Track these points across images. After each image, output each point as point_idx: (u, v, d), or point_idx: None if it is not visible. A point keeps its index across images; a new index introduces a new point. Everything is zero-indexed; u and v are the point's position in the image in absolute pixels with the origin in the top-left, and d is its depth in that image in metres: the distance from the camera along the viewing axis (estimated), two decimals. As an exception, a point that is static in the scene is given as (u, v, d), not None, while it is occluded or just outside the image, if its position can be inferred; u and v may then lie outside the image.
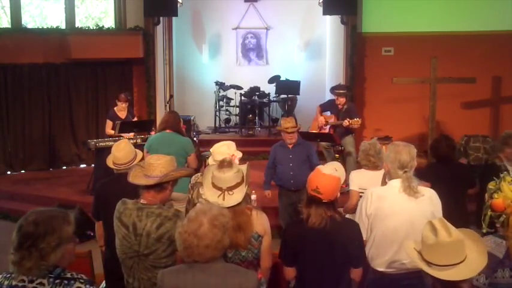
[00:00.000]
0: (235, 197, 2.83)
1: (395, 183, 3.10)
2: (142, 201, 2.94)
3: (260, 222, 2.95)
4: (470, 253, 2.18)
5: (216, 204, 2.76)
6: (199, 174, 3.78)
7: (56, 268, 2.12)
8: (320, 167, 2.93)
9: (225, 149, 3.73)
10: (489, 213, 2.56)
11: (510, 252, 2.44)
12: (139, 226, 2.85)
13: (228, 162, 2.94)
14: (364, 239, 3.13)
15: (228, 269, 2.33)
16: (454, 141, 4.74)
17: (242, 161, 3.66)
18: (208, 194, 2.87)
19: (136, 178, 2.97)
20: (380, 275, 3.15)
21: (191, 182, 3.78)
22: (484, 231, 2.62)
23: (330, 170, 2.87)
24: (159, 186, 2.93)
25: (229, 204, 2.80)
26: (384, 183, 4.00)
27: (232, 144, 3.83)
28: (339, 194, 2.90)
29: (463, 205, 4.47)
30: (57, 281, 2.10)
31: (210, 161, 3.82)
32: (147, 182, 2.92)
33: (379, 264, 3.14)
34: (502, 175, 2.60)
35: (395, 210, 3.06)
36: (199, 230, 2.20)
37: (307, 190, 2.88)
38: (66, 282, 2.10)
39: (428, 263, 2.17)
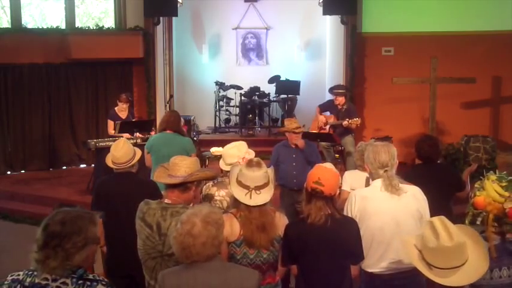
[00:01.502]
0: (263, 197, 2.84)
1: (377, 183, 3.11)
2: (166, 200, 2.94)
3: (283, 224, 2.95)
4: (471, 254, 2.18)
5: (245, 202, 2.81)
6: (210, 184, 3.70)
7: (79, 269, 2.12)
8: (319, 164, 3.03)
9: (235, 151, 3.69)
10: (471, 211, 2.57)
11: (490, 250, 2.44)
12: (163, 226, 2.83)
13: (257, 162, 2.94)
14: None
15: (228, 267, 2.35)
16: (437, 141, 4.63)
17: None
18: (235, 191, 2.88)
19: (160, 178, 2.99)
20: (370, 276, 3.14)
21: (202, 193, 3.69)
22: None
23: (330, 166, 2.97)
24: (183, 186, 2.93)
25: (257, 203, 2.80)
26: (367, 184, 4.02)
27: (243, 144, 3.78)
28: (338, 192, 2.92)
29: (447, 207, 4.25)
30: (80, 281, 2.09)
31: (221, 165, 3.79)
32: (171, 181, 2.92)
33: (369, 265, 3.14)
34: (486, 174, 2.61)
35: (379, 209, 3.06)
36: (193, 229, 2.21)
37: (306, 187, 2.89)
38: (88, 283, 2.10)
39: (429, 265, 2.17)
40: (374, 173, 3.15)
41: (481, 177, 2.64)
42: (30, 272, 2.11)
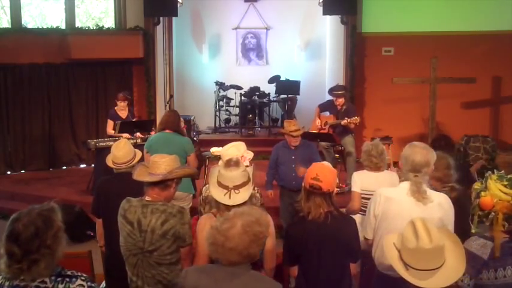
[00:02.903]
0: (242, 196, 2.84)
1: (405, 185, 3.01)
2: (147, 198, 2.98)
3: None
4: (449, 257, 2.18)
5: (223, 202, 2.80)
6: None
7: (56, 266, 2.11)
8: (315, 162, 3.09)
9: (233, 151, 3.69)
10: (477, 212, 2.55)
11: (495, 249, 2.44)
12: (144, 222, 2.88)
13: (235, 161, 2.95)
14: (371, 238, 3.11)
15: (252, 277, 2.27)
16: (452, 141, 4.70)
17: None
18: (214, 192, 2.88)
19: (141, 176, 3.02)
20: (385, 278, 3.07)
21: (202, 195, 3.69)
22: (473, 231, 2.61)
23: (327, 164, 3.04)
24: (163, 184, 2.98)
25: (236, 202, 2.80)
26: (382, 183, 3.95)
27: (242, 144, 3.79)
28: (336, 189, 2.91)
29: None
30: (59, 279, 2.09)
31: (220, 164, 3.79)
32: (151, 178, 2.96)
33: (385, 267, 3.05)
34: (486, 174, 2.61)
35: (402, 213, 2.96)
36: (229, 231, 2.18)
37: (305, 185, 2.90)
38: (67, 279, 2.10)
39: (406, 265, 2.18)
40: (404, 173, 3.04)
41: (479, 178, 2.64)
42: (8, 276, 2.07)
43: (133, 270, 2.95)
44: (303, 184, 2.94)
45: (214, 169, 3.05)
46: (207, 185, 3.71)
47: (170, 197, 3.07)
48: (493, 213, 2.48)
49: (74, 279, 2.11)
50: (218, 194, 2.86)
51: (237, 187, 2.84)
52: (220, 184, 2.87)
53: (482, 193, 2.54)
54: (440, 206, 2.98)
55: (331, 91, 7.46)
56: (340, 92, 7.24)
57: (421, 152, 2.96)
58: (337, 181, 3.03)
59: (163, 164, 2.99)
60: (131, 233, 2.91)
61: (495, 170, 2.67)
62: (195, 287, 2.28)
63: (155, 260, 2.87)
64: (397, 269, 2.21)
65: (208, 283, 2.24)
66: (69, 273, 2.13)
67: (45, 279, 2.06)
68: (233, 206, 2.79)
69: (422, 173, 2.95)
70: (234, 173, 2.86)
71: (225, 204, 2.82)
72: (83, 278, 2.14)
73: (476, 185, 2.62)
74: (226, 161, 3.00)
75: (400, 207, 2.98)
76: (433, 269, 2.14)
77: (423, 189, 2.95)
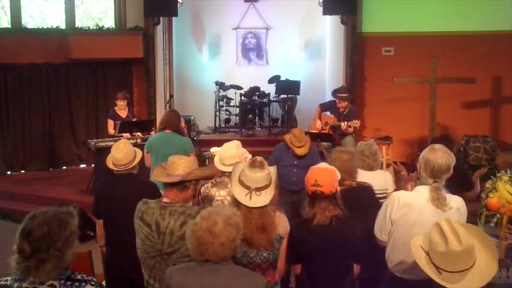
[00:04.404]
0: (263, 199, 2.82)
1: (424, 191, 2.91)
2: (164, 199, 2.95)
3: (282, 224, 2.94)
4: (479, 256, 2.16)
5: (244, 203, 2.79)
6: (208, 185, 3.68)
7: (66, 270, 2.10)
8: (312, 166, 3.02)
9: (234, 152, 3.67)
10: (485, 212, 2.55)
11: (501, 251, 2.43)
12: (162, 224, 2.85)
13: (260, 163, 2.92)
14: (385, 240, 3.07)
15: (236, 272, 2.31)
16: (453, 142, 4.65)
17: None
18: (236, 190, 2.87)
19: (158, 177, 2.99)
20: (399, 280, 3.05)
21: (201, 194, 3.68)
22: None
23: (323, 165, 2.99)
24: (181, 185, 2.95)
25: (256, 205, 2.79)
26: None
27: (240, 143, 3.79)
28: (338, 187, 2.90)
29: None
30: (68, 283, 2.07)
31: (218, 166, 3.77)
32: (170, 179, 2.93)
33: (400, 270, 3.03)
34: (498, 174, 2.60)
35: (422, 220, 2.87)
36: (214, 227, 2.20)
37: (307, 191, 2.88)
38: (77, 284, 2.08)
39: (438, 269, 2.14)
40: (423, 177, 2.94)
41: (492, 176, 2.63)
42: (18, 277, 2.07)
43: (150, 273, 2.90)
44: (306, 190, 2.92)
45: (238, 166, 3.02)
46: (207, 185, 3.71)
47: (188, 199, 3.03)
48: (498, 215, 2.48)
49: (83, 284, 2.09)
50: (239, 194, 2.85)
51: (258, 189, 2.82)
52: (241, 183, 2.86)
53: (491, 194, 2.54)
54: (458, 211, 2.90)
55: (335, 93, 7.35)
56: (344, 96, 7.16)
57: (442, 157, 2.86)
58: (339, 177, 2.99)
59: (181, 165, 2.96)
60: (149, 235, 2.87)
61: (508, 170, 2.65)
62: (181, 285, 2.28)
63: (173, 262, 2.83)
64: (428, 273, 2.17)
65: (194, 281, 2.25)
66: (79, 277, 2.11)
67: (54, 282, 2.05)
68: (254, 208, 2.80)
69: (442, 179, 2.88)
70: (259, 174, 2.84)
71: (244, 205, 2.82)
72: (92, 282, 2.12)
73: (488, 184, 2.62)
74: (252, 161, 2.97)
75: (419, 214, 2.89)
76: (466, 270, 2.11)
77: (443, 195, 2.87)
